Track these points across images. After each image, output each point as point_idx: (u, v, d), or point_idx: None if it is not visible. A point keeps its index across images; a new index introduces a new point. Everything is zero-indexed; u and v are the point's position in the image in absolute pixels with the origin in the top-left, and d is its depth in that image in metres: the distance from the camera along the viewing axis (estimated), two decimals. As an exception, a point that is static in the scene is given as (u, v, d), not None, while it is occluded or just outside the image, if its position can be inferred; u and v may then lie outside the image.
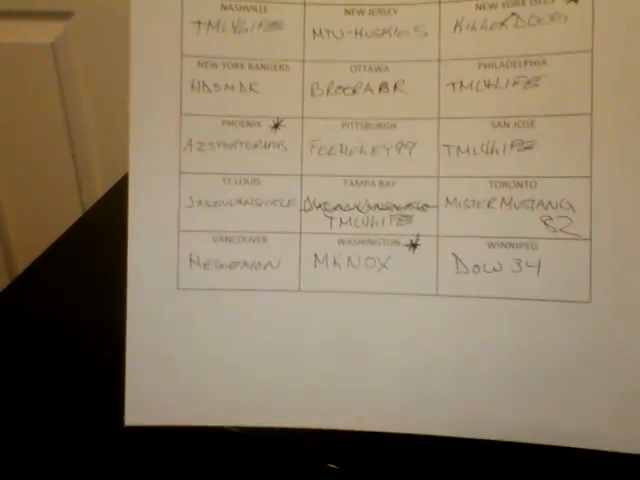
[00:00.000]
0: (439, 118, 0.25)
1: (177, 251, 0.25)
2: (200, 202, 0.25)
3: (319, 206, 0.25)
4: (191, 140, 0.25)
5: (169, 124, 0.25)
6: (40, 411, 0.29)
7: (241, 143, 0.25)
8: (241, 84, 0.25)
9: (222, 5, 0.25)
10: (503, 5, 0.24)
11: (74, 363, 0.31)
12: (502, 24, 0.24)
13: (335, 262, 0.25)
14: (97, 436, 0.27)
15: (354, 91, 0.25)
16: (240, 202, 0.25)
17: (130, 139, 0.25)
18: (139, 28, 0.25)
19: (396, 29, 0.25)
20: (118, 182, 0.48)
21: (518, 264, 0.24)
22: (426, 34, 0.25)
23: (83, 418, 0.28)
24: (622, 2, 0.23)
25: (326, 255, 0.25)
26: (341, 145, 0.25)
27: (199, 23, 0.25)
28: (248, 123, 0.25)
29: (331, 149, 0.25)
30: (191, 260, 0.25)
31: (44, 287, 0.38)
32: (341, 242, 0.25)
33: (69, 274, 0.38)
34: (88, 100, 0.76)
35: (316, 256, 0.25)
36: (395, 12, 0.25)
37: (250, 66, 0.25)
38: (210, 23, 0.25)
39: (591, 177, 0.23)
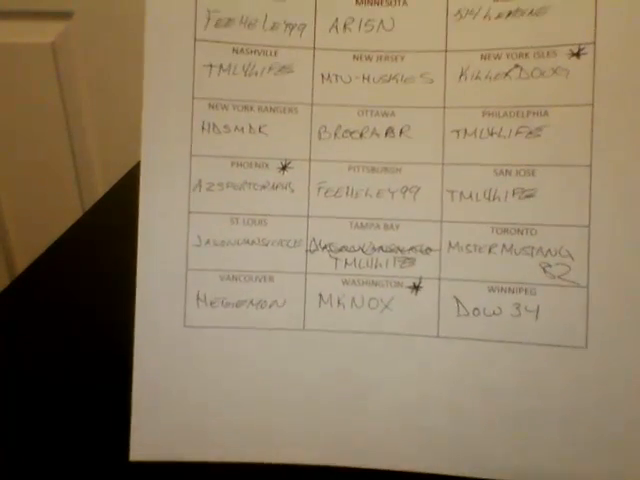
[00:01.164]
0: (443, 164, 0.26)
1: (185, 289, 0.26)
2: (208, 241, 0.26)
3: (325, 247, 0.26)
4: (200, 181, 0.26)
5: (180, 165, 0.26)
6: (40, 412, 0.29)
7: (249, 184, 0.26)
8: (250, 126, 0.26)
9: (233, 49, 0.26)
10: (507, 56, 0.25)
11: (74, 363, 0.31)
12: (506, 75, 0.25)
13: (339, 302, 0.26)
14: (99, 441, 0.27)
15: (361, 135, 0.26)
16: (247, 242, 0.26)
17: (141, 179, 0.26)
18: (152, 71, 0.26)
19: (403, 75, 0.26)
20: (118, 182, 0.50)
21: (517, 308, 0.25)
22: (432, 81, 0.26)
23: (83, 418, 0.28)
24: (623, 59, 0.24)
25: (330, 295, 0.26)
26: (347, 188, 0.26)
27: (211, 66, 0.26)
28: (257, 164, 0.26)
29: (337, 191, 0.26)
30: (198, 298, 0.26)
31: (44, 287, 0.38)
32: (345, 283, 0.26)
33: (69, 274, 0.39)
34: (88, 100, 0.78)
35: (321, 296, 0.26)
36: (402, 59, 0.26)
37: (260, 108, 0.26)
38: (221, 66, 0.26)
39: (589, 226, 0.25)
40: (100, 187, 0.80)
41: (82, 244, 0.42)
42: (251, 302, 0.26)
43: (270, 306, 0.26)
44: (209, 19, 0.26)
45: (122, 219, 0.27)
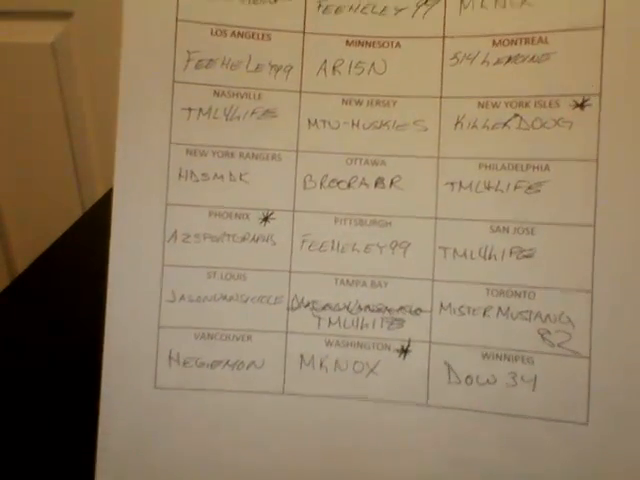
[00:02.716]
0: (436, 218, 0.25)
1: (156, 348, 0.25)
2: (183, 297, 0.25)
3: (307, 305, 0.25)
4: (176, 231, 0.25)
5: (154, 214, 0.25)
6: (39, 412, 0.30)
7: (228, 236, 0.25)
8: (231, 174, 0.25)
9: (214, 92, 0.25)
10: (506, 105, 0.24)
11: (74, 363, 0.31)
12: (505, 125, 0.24)
13: (322, 365, 0.25)
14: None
15: (349, 185, 0.25)
16: (224, 298, 0.25)
17: (112, 228, 0.25)
18: (127, 114, 0.25)
19: (395, 122, 0.25)
20: None
21: (513, 378, 0.24)
22: (426, 129, 0.25)
23: (83, 418, 0.28)
24: (630, 113, 0.23)
25: (313, 357, 0.25)
26: (333, 241, 0.25)
27: (190, 110, 0.25)
28: (237, 215, 0.25)
29: (322, 245, 0.25)
30: (170, 357, 0.25)
31: (44, 287, 0.39)
32: (329, 344, 0.25)
33: (69, 274, 0.39)
34: (88, 100, 0.78)
35: (302, 357, 0.25)
36: (394, 104, 0.25)
37: (241, 155, 0.25)
38: (201, 110, 0.25)
39: (592, 292, 0.23)
40: (100, 187, 0.80)
41: (82, 244, 0.41)
42: (227, 363, 0.25)
43: (247, 367, 0.25)
44: (189, 60, 0.25)
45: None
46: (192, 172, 0.25)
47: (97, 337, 0.30)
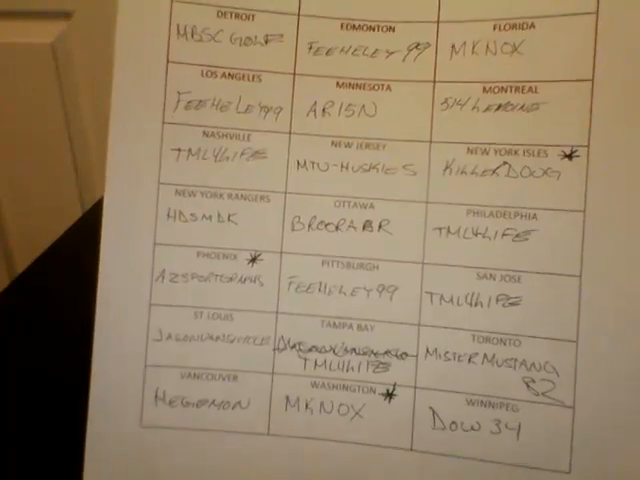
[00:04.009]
0: (423, 263, 0.25)
1: (142, 386, 0.25)
2: (170, 336, 0.25)
3: (293, 346, 0.25)
4: (164, 271, 0.26)
5: (142, 254, 0.26)
6: (39, 412, 0.30)
7: (216, 276, 0.26)
8: (219, 214, 0.26)
9: (204, 132, 0.26)
10: (495, 152, 0.25)
11: (74, 363, 0.31)
12: (494, 172, 0.25)
13: (307, 406, 0.25)
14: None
15: (337, 227, 0.26)
16: (211, 338, 0.25)
17: (100, 267, 0.26)
18: (117, 154, 0.25)
19: (384, 166, 0.25)
20: None
21: (497, 425, 0.24)
22: (415, 173, 0.25)
23: (83, 418, 0.28)
24: (617, 165, 0.23)
25: (298, 398, 0.25)
26: (320, 283, 0.25)
27: (179, 150, 0.26)
28: (224, 256, 0.26)
29: (309, 287, 0.25)
30: (156, 396, 0.25)
31: (44, 287, 0.39)
32: (315, 385, 0.25)
33: (69, 274, 0.39)
34: (88, 100, 0.78)
35: (288, 399, 0.25)
36: (384, 148, 0.25)
37: (230, 196, 0.26)
38: (190, 150, 0.26)
39: (577, 342, 0.24)
40: (100, 187, 0.81)
41: (82, 244, 0.41)
42: (213, 402, 0.25)
43: (233, 407, 0.25)
44: (179, 101, 0.25)
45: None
46: (181, 212, 0.26)
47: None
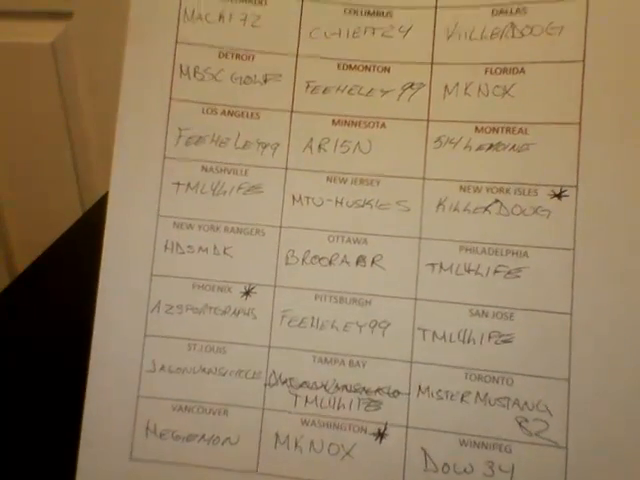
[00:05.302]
0: (416, 299, 0.26)
1: (134, 418, 0.26)
2: (163, 367, 0.26)
3: (285, 382, 0.26)
4: (160, 302, 0.26)
5: (139, 284, 0.26)
6: (39, 412, 0.31)
7: (210, 308, 0.26)
8: (215, 247, 0.27)
9: (203, 167, 0.27)
10: (487, 190, 0.25)
11: (74, 363, 0.31)
12: (485, 209, 0.25)
13: (297, 445, 0.25)
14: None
15: (330, 262, 0.26)
16: (204, 370, 0.26)
17: (99, 296, 0.26)
18: (118, 187, 0.27)
19: (378, 201, 0.26)
20: None
21: (490, 467, 0.24)
22: (408, 209, 0.26)
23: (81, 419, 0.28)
24: (605, 205, 0.24)
25: (288, 436, 0.25)
26: (313, 318, 0.26)
27: (178, 184, 0.27)
28: (219, 288, 0.26)
29: (302, 321, 0.26)
30: (147, 429, 0.26)
31: (44, 287, 0.40)
32: (305, 423, 0.25)
33: (69, 274, 0.40)
34: (88, 100, 0.79)
35: (277, 436, 0.25)
36: (378, 184, 0.26)
37: (226, 229, 0.27)
38: (189, 184, 0.27)
39: (569, 380, 0.24)
40: (100, 187, 0.80)
41: (82, 244, 0.42)
42: (203, 437, 0.26)
43: (222, 443, 0.26)
44: (180, 137, 0.27)
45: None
46: (178, 244, 0.27)
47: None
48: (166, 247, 0.27)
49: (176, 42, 0.27)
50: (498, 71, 0.26)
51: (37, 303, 0.38)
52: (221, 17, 0.27)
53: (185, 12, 0.27)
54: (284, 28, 0.27)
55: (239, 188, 0.27)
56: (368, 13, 0.27)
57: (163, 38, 0.27)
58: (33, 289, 0.40)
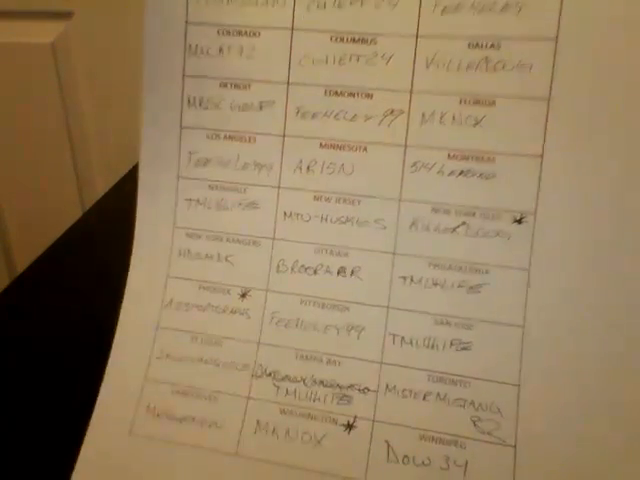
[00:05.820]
0: (388, 307, 0.29)
1: (139, 398, 0.30)
2: (168, 355, 0.31)
3: (269, 374, 0.30)
4: (172, 300, 0.31)
5: (157, 284, 0.31)
6: (39, 412, 0.32)
7: (212, 307, 0.31)
8: (219, 255, 0.31)
9: (209, 186, 0.31)
10: (456, 213, 0.28)
11: (74, 363, 0.34)
12: (454, 230, 0.28)
13: (274, 431, 0.29)
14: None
15: (315, 271, 0.30)
16: (202, 360, 0.30)
17: (126, 295, 0.31)
18: (144, 203, 0.32)
19: (358, 219, 0.30)
20: (118, 182, 0.53)
21: (446, 461, 0.27)
22: (385, 227, 0.29)
23: (81, 418, 0.31)
24: (560, 231, 0.27)
25: (267, 423, 0.29)
26: (298, 320, 0.30)
27: (190, 200, 0.31)
28: (220, 290, 0.31)
29: (288, 322, 0.30)
30: (148, 408, 0.30)
31: (44, 287, 0.41)
32: (283, 412, 0.29)
33: (69, 274, 0.41)
34: (88, 100, 0.81)
35: (258, 422, 0.29)
36: (359, 203, 0.30)
37: (228, 240, 0.31)
38: (199, 200, 0.31)
39: (519, 386, 0.26)
40: (100, 187, 0.82)
41: (82, 244, 0.44)
42: (194, 419, 0.30)
43: (210, 426, 0.30)
44: (190, 160, 0.31)
45: (122, 219, 0.31)
46: (189, 251, 0.31)
47: (97, 337, 0.33)
48: (180, 253, 0.31)
49: (183, 76, 0.31)
50: (471, 102, 0.28)
51: (37, 303, 0.39)
52: (221, 50, 0.30)
53: (190, 47, 0.31)
54: (276, 57, 0.30)
55: (239, 204, 0.31)
56: (353, 40, 0.29)
57: (173, 73, 0.31)
58: (33, 289, 0.41)
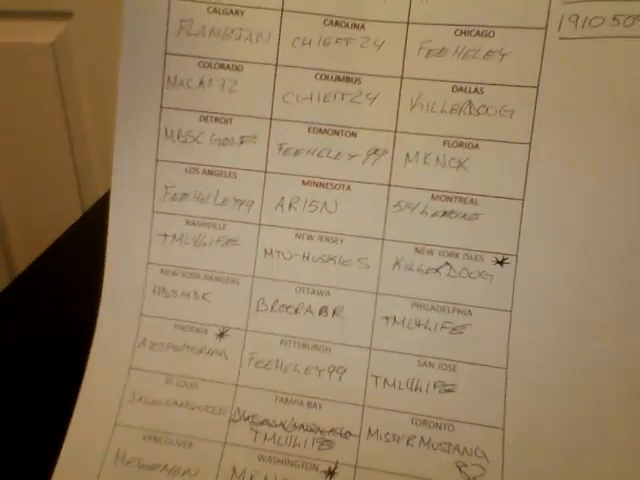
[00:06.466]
0: (371, 348, 0.29)
1: (108, 445, 0.29)
2: (140, 399, 0.29)
3: (247, 418, 0.29)
4: (145, 339, 0.30)
5: (130, 323, 0.30)
6: (39, 412, 0.32)
7: (188, 347, 0.30)
8: (195, 292, 0.30)
9: (186, 221, 0.30)
10: (439, 253, 0.28)
11: (73, 364, 0.32)
12: (437, 270, 0.28)
13: (252, 479, 0.28)
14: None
15: (296, 311, 0.29)
16: (176, 404, 0.29)
17: (95, 333, 0.30)
18: (114, 237, 0.31)
19: (341, 258, 0.29)
20: None
21: (431, 507, 0.27)
22: (367, 267, 0.29)
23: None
24: (541, 273, 0.27)
25: (244, 470, 0.28)
26: (277, 361, 0.29)
27: (165, 236, 0.30)
28: (197, 329, 0.30)
29: (268, 363, 0.29)
30: (117, 456, 0.29)
31: (44, 287, 0.41)
32: (261, 459, 0.28)
33: (69, 274, 0.41)
34: (88, 100, 0.81)
35: (234, 470, 0.28)
36: (341, 242, 0.29)
37: (205, 277, 0.30)
38: (175, 236, 0.30)
39: (504, 429, 0.27)
40: (100, 187, 0.83)
41: (82, 244, 0.43)
42: (165, 467, 0.29)
43: (182, 474, 0.28)
44: (166, 194, 0.30)
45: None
46: (164, 288, 0.30)
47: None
48: (154, 291, 0.30)
49: (161, 107, 0.30)
50: (455, 144, 0.29)
51: (37, 303, 0.39)
52: (201, 83, 0.30)
53: (169, 79, 0.30)
54: (259, 93, 0.30)
55: (218, 240, 0.30)
56: (338, 79, 0.29)
57: (149, 104, 0.30)
58: (33, 289, 0.41)
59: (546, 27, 0.27)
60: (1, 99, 0.81)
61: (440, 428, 0.27)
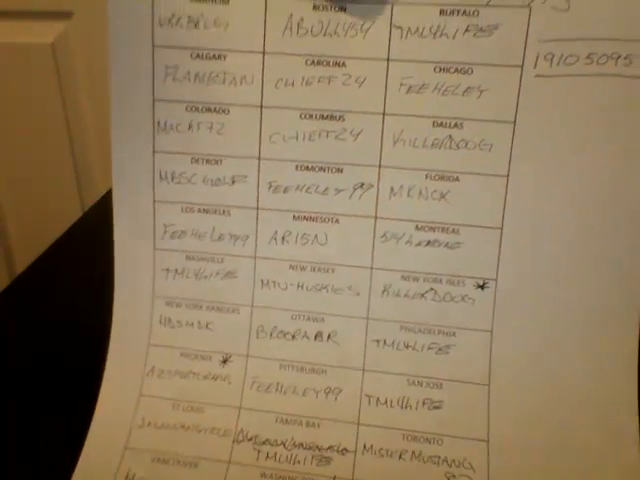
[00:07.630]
0: (364, 370, 0.31)
1: (118, 467, 0.31)
2: (149, 424, 0.32)
3: (250, 439, 0.31)
4: (154, 367, 0.33)
5: (139, 352, 0.33)
6: (39, 412, 0.33)
7: (194, 374, 0.32)
8: (199, 322, 0.33)
9: (187, 257, 0.33)
10: (424, 280, 0.31)
11: (73, 364, 0.34)
12: (422, 296, 0.31)
13: None
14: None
15: (293, 337, 0.32)
16: (183, 427, 0.32)
17: (107, 366, 0.33)
18: (120, 274, 0.33)
19: (333, 286, 0.32)
20: None
21: (423, 518, 0.29)
22: (358, 294, 0.32)
23: (82, 418, 0.32)
24: (518, 297, 0.30)
25: None
26: (277, 384, 0.32)
27: (168, 270, 0.33)
28: (202, 357, 0.32)
29: (268, 387, 0.32)
30: (127, 477, 0.31)
31: (44, 287, 0.42)
32: (263, 476, 0.31)
33: (69, 274, 0.42)
34: (88, 100, 0.82)
35: None
36: (333, 271, 0.32)
37: (207, 308, 0.33)
38: (177, 270, 0.33)
39: (488, 442, 0.29)
40: (100, 187, 0.83)
41: (82, 244, 0.45)
42: None
43: None
44: (165, 232, 0.33)
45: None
46: (169, 319, 0.33)
47: (97, 337, 0.34)
48: (160, 321, 0.33)
49: (153, 152, 0.32)
50: (437, 177, 0.31)
51: (37, 303, 0.40)
52: (190, 127, 0.32)
53: (159, 124, 0.32)
54: (246, 134, 0.32)
55: (217, 273, 0.33)
56: (322, 117, 0.31)
57: (142, 150, 0.32)
58: (33, 289, 0.41)
59: (522, 65, 0.29)
60: (1, 99, 0.82)
61: (430, 442, 0.30)
